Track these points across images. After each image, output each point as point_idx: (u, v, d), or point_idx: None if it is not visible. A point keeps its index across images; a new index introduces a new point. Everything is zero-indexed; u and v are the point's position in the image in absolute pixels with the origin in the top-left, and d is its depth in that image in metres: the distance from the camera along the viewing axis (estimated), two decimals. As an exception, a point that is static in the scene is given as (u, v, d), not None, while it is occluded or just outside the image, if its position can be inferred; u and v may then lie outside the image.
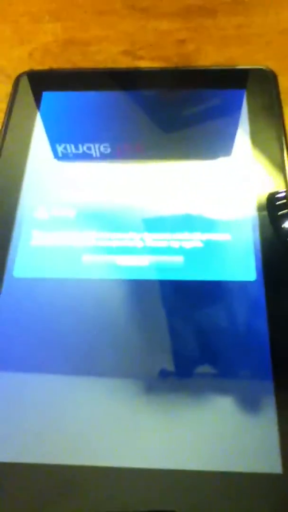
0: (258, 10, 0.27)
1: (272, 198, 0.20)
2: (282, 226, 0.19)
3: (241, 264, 0.19)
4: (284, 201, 0.20)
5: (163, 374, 0.17)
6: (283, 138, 0.22)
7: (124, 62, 0.26)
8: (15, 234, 0.20)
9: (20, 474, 0.15)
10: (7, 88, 0.24)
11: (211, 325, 0.18)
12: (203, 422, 0.16)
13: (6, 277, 0.18)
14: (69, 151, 0.22)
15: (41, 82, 0.24)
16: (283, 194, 0.20)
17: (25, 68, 0.25)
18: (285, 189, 0.20)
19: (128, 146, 0.22)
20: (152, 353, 0.17)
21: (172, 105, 0.23)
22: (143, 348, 0.17)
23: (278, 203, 0.20)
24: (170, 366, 0.17)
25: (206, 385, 0.16)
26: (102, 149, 0.22)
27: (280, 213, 0.20)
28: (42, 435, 0.16)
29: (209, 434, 0.16)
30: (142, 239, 0.19)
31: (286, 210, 0.20)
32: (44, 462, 0.15)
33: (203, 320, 0.18)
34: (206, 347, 0.17)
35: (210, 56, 0.26)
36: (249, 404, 0.16)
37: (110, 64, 0.26)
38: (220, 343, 0.17)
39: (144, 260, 0.19)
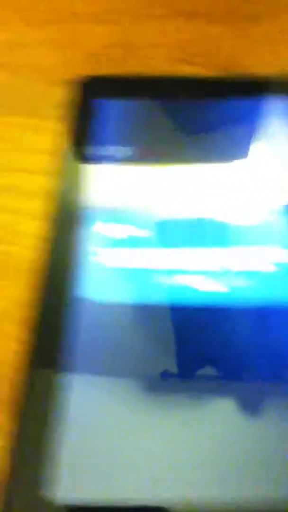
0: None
1: None
2: None
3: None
4: None
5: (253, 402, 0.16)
6: None
7: (177, 70, 0.26)
8: (81, 254, 0.19)
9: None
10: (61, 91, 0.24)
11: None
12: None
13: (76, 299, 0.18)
14: (127, 156, 0.22)
15: (97, 88, 0.24)
16: None
17: (80, 72, 0.24)
18: None
19: (196, 157, 0.22)
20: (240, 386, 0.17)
21: (220, 115, 0.23)
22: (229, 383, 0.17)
23: None
24: (259, 395, 0.16)
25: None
26: (177, 159, 0.22)
27: None
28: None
29: None
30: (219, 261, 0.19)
31: None
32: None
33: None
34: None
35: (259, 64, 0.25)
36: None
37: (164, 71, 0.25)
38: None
39: (222, 285, 0.18)
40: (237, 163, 0.21)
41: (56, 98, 0.24)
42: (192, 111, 0.23)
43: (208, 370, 0.17)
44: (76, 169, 0.21)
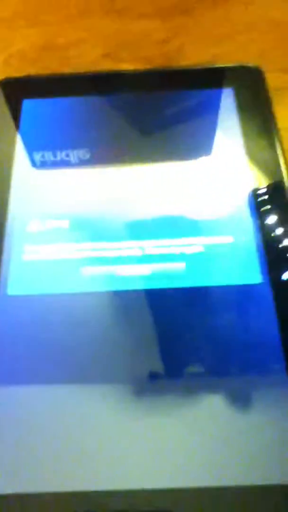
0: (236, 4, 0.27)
1: (254, 195, 0.20)
2: (266, 222, 0.19)
3: (245, 267, 0.18)
4: (266, 197, 0.19)
5: (169, 385, 0.16)
6: (275, 135, 0.21)
7: (105, 66, 0.25)
8: (5, 250, 0.18)
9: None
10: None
11: (220, 333, 0.17)
12: (222, 433, 0.15)
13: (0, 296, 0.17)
14: (54, 159, 0.21)
15: (20, 89, 0.23)
16: (264, 190, 0.20)
17: (1, 75, 0.24)
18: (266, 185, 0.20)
19: (115, 151, 0.22)
20: (157, 364, 0.16)
21: (159, 107, 0.23)
22: (148, 360, 0.16)
23: (259, 199, 0.19)
24: (177, 376, 0.16)
25: (215, 394, 0.16)
26: (88, 155, 0.21)
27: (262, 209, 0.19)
28: (44, 459, 0.15)
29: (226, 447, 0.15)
30: (141, 247, 0.18)
31: (268, 206, 0.19)
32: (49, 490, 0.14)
33: (211, 328, 0.17)
34: (216, 356, 0.16)
35: (192, 56, 0.26)
36: (263, 411, 0.15)
37: (90, 68, 0.25)
38: (231, 351, 0.16)
39: (144, 269, 0.18)
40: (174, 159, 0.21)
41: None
42: (122, 107, 0.23)
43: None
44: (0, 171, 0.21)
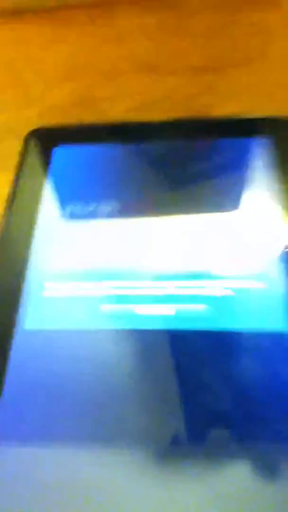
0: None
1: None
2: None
3: (272, 313, 0.17)
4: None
5: (193, 437, 0.14)
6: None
7: (135, 118, 0.26)
8: (26, 287, 0.18)
9: None
10: (18, 147, 0.24)
11: (247, 387, 0.15)
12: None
13: (17, 330, 0.17)
14: (81, 209, 0.21)
15: (51, 138, 0.24)
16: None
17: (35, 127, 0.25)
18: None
19: (143, 203, 0.21)
20: (179, 413, 0.15)
21: (192, 158, 0.23)
22: (169, 407, 0.15)
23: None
24: (199, 438, 0.15)
25: (237, 450, 0.14)
26: (116, 207, 0.21)
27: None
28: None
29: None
30: (164, 287, 0.18)
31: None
32: None
33: (238, 381, 0.16)
34: (242, 416, 0.15)
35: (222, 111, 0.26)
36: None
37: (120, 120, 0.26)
38: (258, 401, 0.15)
39: (167, 309, 0.17)
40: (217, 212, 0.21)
41: (10, 152, 0.24)
42: (159, 157, 0.23)
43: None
44: (27, 216, 0.21)
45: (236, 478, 0.14)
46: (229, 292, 0.17)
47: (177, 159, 0.23)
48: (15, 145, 0.24)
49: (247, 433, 0.14)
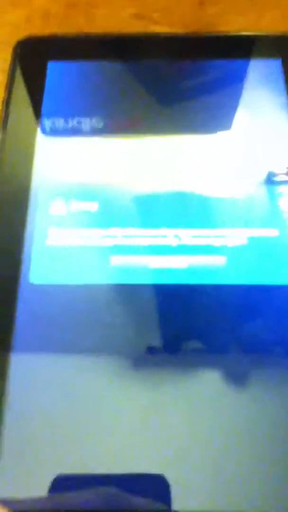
0: None
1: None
2: None
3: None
4: None
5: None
6: None
7: (136, 27, 0.23)
8: (28, 233, 0.17)
9: None
10: (5, 56, 0.21)
11: (261, 338, 0.15)
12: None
13: (21, 283, 0.16)
14: (81, 126, 0.19)
15: (44, 50, 0.21)
16: None
17: (22, 34, 0.22)
18: None
19: (148, 121, 0.20)
20: (189, 364, 0.15)
21: (197, 77, 0.20)
22: (180, 359, 0.15)
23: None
24: (209, 375, 0.15)
25: (251, 398, 0.14)
26: (122, 124, 0.19)
27: None
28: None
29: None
30: (177, 236, 0.17)
31: None
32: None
33: (249, 331, 0.15)
34: (255, 360, 0.15)
35: (233, 21, 0.23)
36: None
37: (119, 30, 0.23)
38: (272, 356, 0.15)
39: (180, 262, 0.16)
40: (208, 133, 0.19)
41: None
42: (159, 74, 0.21)
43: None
44: (26, 142, 0.19)
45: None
46: (243, 242, 0.17)
47: (182, 77, 0.21)
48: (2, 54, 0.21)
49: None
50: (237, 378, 0.15)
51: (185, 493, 0.13)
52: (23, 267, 0.16)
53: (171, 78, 0.21)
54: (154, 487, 0.13)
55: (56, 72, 0.21)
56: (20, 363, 0.15)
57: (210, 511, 0.13)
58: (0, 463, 0.14)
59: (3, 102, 0.20)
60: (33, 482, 0.13)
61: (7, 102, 0.20)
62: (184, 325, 0.15)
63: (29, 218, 0.17)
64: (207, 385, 0.14)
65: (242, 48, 0.21)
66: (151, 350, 0.15)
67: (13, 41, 0.21)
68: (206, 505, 0.13)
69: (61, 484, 0.13)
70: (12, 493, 0.13)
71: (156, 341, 0.15)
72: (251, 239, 0.17)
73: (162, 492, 0.13)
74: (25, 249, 0.16)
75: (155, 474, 0.13)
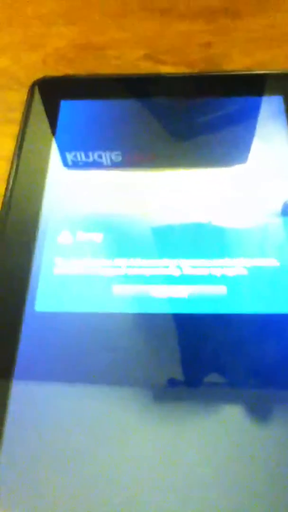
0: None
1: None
2: None
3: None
4: None
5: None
6: None
7: (145, 68, 0.24)
8: (35, 262, 0.17)
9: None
10: (21, 96, 0.22)
11: (264, 367, 0.15)
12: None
13: (27, 311, 0.16)
14: (92, 162, 0.20)
15: (58, 89, 0.22)
16: None
17: (39, 74, 0.23)
18: None
19: (155, 157, 0.20)
20: (196, 395, 0.15)
21: (205, 113, 0.21)
22: (185, 390, 0.15)
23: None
24: (217, 410, 0.15)
25: (256, 433, 0.14)
26: (134, 159, 0.20)
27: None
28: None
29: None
30: (178, 267, 0.17)
31: None
32: None
33: (255, 362, 0.16)
34: (260, 392, 0.15)
35: (237, 61, 0.24)
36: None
37: (129, 70, 0.24)
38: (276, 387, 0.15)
39: (181, 291, 0.17)
40: (221, 167, 0.20)
41: (14, 102, 0.22)
42: (171, 111, 0.22)
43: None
44: (38, 173, 0.20)
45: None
46: (244, 272, 0.17)
47: (187, 115, 0.22)
48: (18, 94, 0.23)
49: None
50: (241, 407, 0.15)
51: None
52: (29, 295, 0.17)
53: (177, 115, 0.22)
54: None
55: (69, 109, 0.22)
56: (22, 392, 0.15)
57: None
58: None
59: (18, 136, 0.21)
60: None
61: (22, 136, 0.21)
62: (186, 354, 0.16)
63: (37, 247, 0.18)
64: (204, 416, 0.14)
65: (246, 86, 0.22)
66: (151, 380, 0.15)
67: (29, 82, 0.23)
68: None
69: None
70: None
71: (159, 371, 0.15)
72: (252, 269, 0.17)
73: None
74: (32, 277, 0.17)
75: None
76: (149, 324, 0.16)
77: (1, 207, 0.19)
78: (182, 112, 0.22)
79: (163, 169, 0.20)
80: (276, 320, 0.16)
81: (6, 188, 0.19)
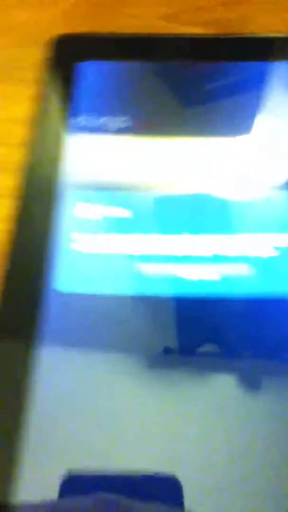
0: None
1: None
2: None
3: None
4: None
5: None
6: None
7: (164, 28, 0.23)
8: (53, 237, 0.17)
9: None
10: (36, 53, 0.21)
11: None
12: None
13: (47, 291, 0.16)
14: (112, 126, 0.19)
15: (76, 48, 0.21)
16: None
17: (52, 32, 0.22)
18: None
19: (175, 125, 0.20)
20: (225, 381, 0.15)
21: (224, 78, 0.21)
22: (209, 375, 0.15)
23: None
24: (231, 381, 0.15)
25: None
26: (151, 124, 0.20)
27: None
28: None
29: None
30: (206, 245, 0.17)
31: None
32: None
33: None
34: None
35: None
36: None
37: (148, 30, 0.23)
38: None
39: (211, 272, 0.16)
40: (236, 136, 0.19)
41: (28, 60, 0.21)
42: (187, 75, 0.21)
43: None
44: (54, 141, 0.19)
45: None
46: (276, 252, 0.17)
47: (206, 79, 0.21)
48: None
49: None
50: (260, 385, 0.15)
51: (196, 495, 0.13)
52: (48, 272, 0.16)
53: (194, 80, 0.21)
54: (166, 488, 0.13)
55: (85, 71, 0.21)
56: (43, 364, 0.15)
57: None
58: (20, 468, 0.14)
59: (35, 99, 0.20)
60: (48, 484, 0.13)
61: (40, 100, 0.20)
62: (213, 335, 0.16)
63: (54, 221, 0.17)
64: (232, 392, 0.15)
65: (266, 50, 0.21)
66: (169, 352, 0.16)
67: (42, 40, 0.22)
68: (218, 509, 0.13)
69: (72, 485, 0.13)
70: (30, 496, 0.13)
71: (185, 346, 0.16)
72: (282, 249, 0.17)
73: (173, 494, 0.13)
74: (50, 253, 0.17)
75: (167, 474, 0.13)
76: (175, 305, 0.16)
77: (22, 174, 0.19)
78: (199, 76, 0.21)
79: (184, 136, 0.19)
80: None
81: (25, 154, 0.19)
